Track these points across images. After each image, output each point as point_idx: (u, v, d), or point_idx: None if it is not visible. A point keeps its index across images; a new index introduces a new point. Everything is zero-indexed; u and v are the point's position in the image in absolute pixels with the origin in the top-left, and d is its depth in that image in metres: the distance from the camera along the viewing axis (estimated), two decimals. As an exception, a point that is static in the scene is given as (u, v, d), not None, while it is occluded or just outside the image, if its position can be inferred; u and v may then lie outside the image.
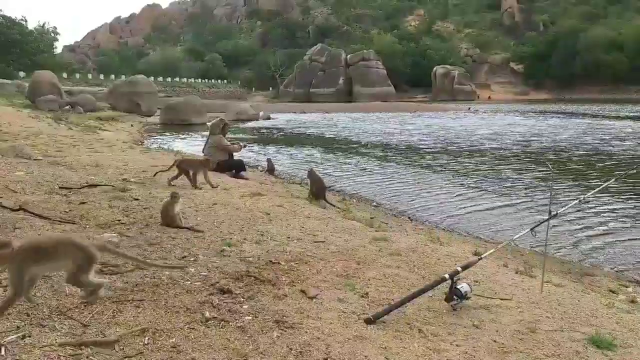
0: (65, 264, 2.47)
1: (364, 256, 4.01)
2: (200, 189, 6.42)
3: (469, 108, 46.67)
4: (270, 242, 4.18)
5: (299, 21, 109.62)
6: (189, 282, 3.08)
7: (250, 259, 3.66)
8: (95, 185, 5.84)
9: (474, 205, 8.48)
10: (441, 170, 12.33)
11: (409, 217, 7.74)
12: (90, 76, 65.59)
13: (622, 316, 3.32)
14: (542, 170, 11.62)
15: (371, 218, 6.57)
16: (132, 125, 22.56)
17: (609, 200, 8.70)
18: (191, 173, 6.56)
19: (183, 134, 21.18)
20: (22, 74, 46.66)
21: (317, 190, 7.38)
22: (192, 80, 77.99)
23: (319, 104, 53.41)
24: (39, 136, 11.79)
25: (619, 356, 2.66)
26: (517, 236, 3.71)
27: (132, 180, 6.59)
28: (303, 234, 4.61)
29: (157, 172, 6.87)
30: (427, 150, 16.65)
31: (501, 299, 3.33)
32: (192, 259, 3.54)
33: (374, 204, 8.69)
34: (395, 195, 9.38)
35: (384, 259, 4.01)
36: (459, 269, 3.13)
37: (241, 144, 9.09)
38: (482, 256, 3.46)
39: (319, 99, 66.90)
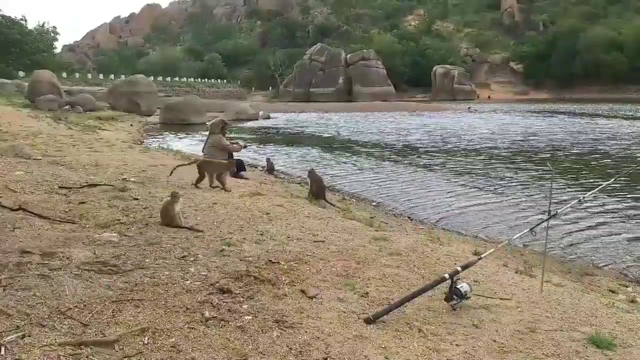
0: None
1: (363, 256, 4.01)
2: (200, 188, 6.41)
3: (469, 108, 46.67)
4: (270, 241, 4.18)
5: (298, 21, 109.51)
6: (189, 282, 3.08)
7: (250, 258, 3.66)
8: (95, 185, 5.84)
9: (473, 205, 8.48)
10: (440, 170, 12.33)
11: (409, 217, 7.73)
12: (89, 76, 65.44)
13: (621, 316, 3.32)
14: (541, 170, 11.62)
15: (371, 218, 6.57)
16: (131, 124, 22.56)
17: (608, 199, 8.70)
18: (211, 175, 6.52)
19: (182, 134, 21.18)
20: (21, 73, 46.54)
21: (317, 190, 7.38)
22: (192, 80, 77.86)
23: (318, 104, 53.42)
24: (39, 136, 11.78)
25: (618, 356, 2.65)
26: (516, 236, 3.71)
27: (131, 179, 6.59)
28: (303, 233, 4.61)
29: (173, 170, 6.78)
30: (427, 149, 16.64)
31: (501, 299, 3.33)
32: (191, 259, 3.54)
33: (374, 203, 8.69)
34: (394, 195, 9.38)
35: (383, 258, 4.01)
36: (459, 268, 3.13)
37: (241, 143, 9.06)
38: (482, 256, 3.46)
39: (318, 98, 66.84)
